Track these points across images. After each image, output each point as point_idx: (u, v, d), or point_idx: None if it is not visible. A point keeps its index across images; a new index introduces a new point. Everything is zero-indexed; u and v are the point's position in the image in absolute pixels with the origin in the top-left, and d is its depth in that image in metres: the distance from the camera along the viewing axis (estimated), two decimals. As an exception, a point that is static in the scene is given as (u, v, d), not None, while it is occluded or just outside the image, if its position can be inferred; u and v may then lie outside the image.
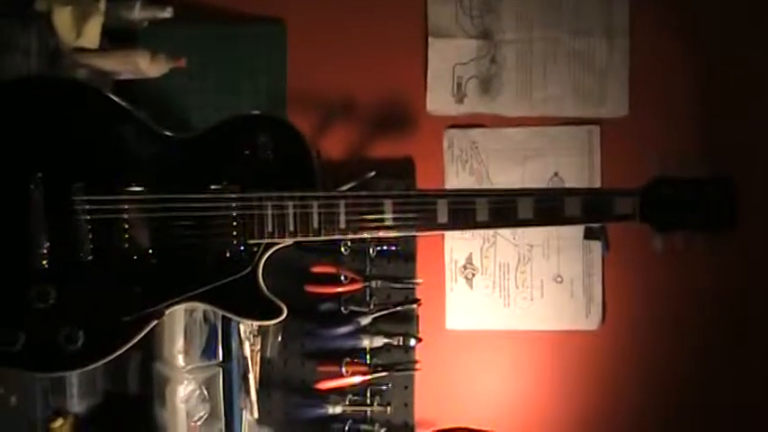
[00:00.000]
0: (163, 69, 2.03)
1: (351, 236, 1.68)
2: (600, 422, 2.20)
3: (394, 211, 1.66)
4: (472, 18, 2.22)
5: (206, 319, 2.00)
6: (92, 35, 1.96)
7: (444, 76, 2.22)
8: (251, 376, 2.07)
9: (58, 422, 1.89)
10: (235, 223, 1.65)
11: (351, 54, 2.22)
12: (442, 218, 1.67)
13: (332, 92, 2.22)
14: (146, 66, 2.00)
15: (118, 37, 2.06)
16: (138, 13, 2.06)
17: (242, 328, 2.05)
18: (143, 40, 2.10)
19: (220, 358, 2.03)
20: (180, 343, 1.94)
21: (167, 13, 2.08)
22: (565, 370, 2.21)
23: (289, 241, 1.67)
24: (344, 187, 1.95)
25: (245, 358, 2.06)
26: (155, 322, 1.67)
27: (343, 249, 2.08)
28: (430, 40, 2.22)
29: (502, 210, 1.66)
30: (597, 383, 2.20)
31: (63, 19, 1.92)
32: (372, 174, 2.06)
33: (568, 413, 2.20)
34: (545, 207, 1.67)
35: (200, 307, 1.88)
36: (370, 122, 2.22)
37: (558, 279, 2.21)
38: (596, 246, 2.18)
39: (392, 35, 2.22)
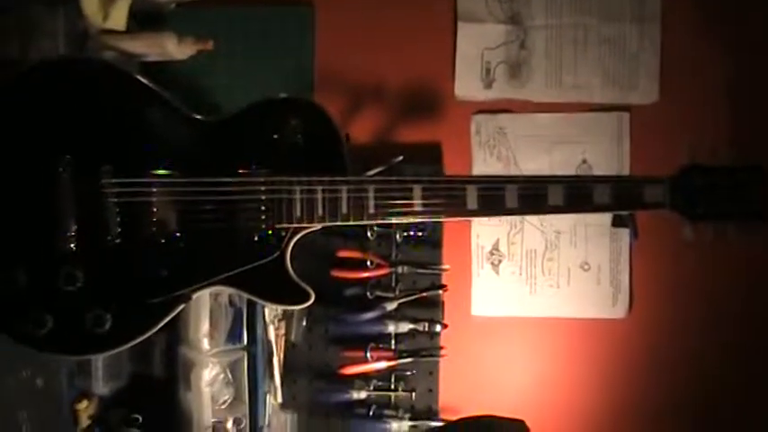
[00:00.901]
0: (190, 52, 2.02)
1: (379, 221, 1.68)
2: (626, 411, 2.19)
3: (423, 197, 1.65)
4: (501, 3, 2.19)
5: (231, 302, 2.00)
6: (119, 17, 1.95)
7: (473, 62, 2.20)
8: (275, 360, 2.07)
9: (84, 404, 1.90)
10: (263, 207, 1.64)
11: (379, 38, 2.21)
12: (472, 204, 1.65)
13: (359, 76, 2.21)
14: (173, 48, 2.00)
15: (145, 19, 2.06)
16: (165, -5, 2.06)
17: (267, 312, 2.05)
18: (170, 22, 2.10)
19: (245, 342, 2.03)
20: (205, 327, 1.95)
21: (195, -5, 2.07)
22: (591, 358, 2.20)
23: (317, 226, 1.66)
24: (371, 172, 1.94)
25: (270, 342, 2.06)
26: (182, 306, 1.66)
27: (369, 234, 2.08)
28: (459, 24, 2.20)
29: (532, 196, 1.65)
30: (623, 372, 2.18)
31: (90, 1, 1.91)
32: (399, 159, 2.04)
33: (594, 401, 2.19)
34: (575, 194, 1.65)
35: (226, 291, 1.88)
36: (397, 107, 2.21)
37: (585, 266, 2.19)
38: (624, 233, 2.16)
39: (421, 19, 2.20)
